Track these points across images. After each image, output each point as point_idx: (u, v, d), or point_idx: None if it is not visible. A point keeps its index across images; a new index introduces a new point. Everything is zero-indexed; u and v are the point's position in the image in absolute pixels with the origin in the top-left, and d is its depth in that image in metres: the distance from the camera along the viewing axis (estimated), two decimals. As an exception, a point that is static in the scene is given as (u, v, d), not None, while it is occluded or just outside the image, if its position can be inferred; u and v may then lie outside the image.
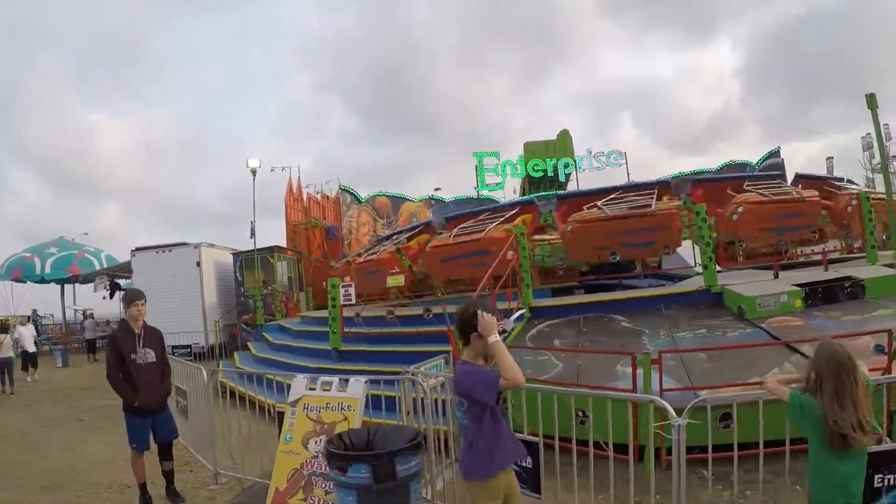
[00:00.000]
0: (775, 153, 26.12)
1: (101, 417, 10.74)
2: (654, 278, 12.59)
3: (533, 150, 28.80)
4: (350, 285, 10.29)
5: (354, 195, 23.57)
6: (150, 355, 5.88)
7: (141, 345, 5.83)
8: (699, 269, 10.87)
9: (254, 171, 19.25)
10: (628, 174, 27.16)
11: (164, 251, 19.59)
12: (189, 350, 16.74)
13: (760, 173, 20.59)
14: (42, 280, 27.87)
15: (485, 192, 27.89)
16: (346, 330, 10.29)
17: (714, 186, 12.92)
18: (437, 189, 26.88)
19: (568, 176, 28.56)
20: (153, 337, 6.03)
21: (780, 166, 25.03)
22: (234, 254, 21.06)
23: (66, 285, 29.82)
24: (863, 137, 43.73)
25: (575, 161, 27.70)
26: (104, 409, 11.51)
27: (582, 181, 27.48)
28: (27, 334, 17.11)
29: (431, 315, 9.89)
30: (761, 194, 11.80)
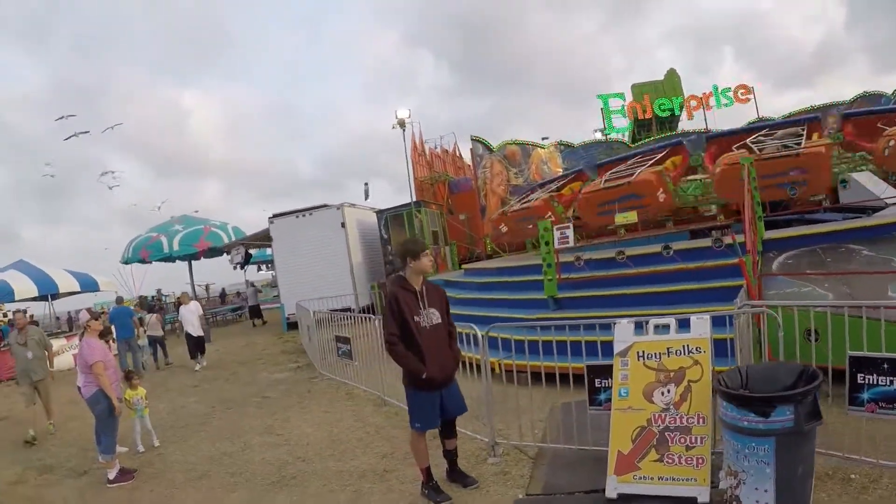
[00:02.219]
0: None
1: (286, 395, 9.85)
2: (838, 212, 11.18)
3: (641, 91, 27.85)
4: (568, 227, 9.01)
5: (486, 145, 22.19)
6: (435, 316, 4.82)
7: (424, 304, 4.80)
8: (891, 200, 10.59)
9: (402, 123, 18.30)
10: (757, 109, 25.72)
11: (303, 215, 19.05)
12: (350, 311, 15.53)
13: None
14: (170, 257, 28.23)
15: (613, 136, 26.99)
16: (562, 276, 9.03)
17: (863, 121, 11.66)
18: (544, 138, 25.63)
19: (678, 117, 27.77)
20: (436, 295, 4.96)
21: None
22: (377, 212, 20.62)
23: (192, 262, 30.14)
24: None
25: (701, 98, 26.03)
26: (283, 382, 11.01)
27: (710, 120, 26.71)
28: (189, 315, 14.28)
29: (671, 252, 8.62)
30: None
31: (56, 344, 17.92)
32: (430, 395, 4.72)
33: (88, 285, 21.89)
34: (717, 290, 7.44)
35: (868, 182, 11.55)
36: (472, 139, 22.27)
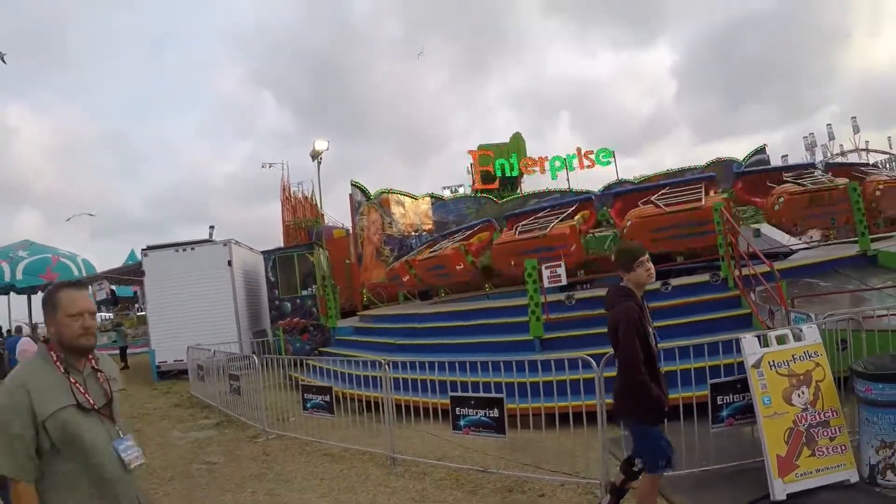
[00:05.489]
0: (761, 150, 27.47)
1: (236, 459, 8.01)
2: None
3: (486, 152, 28.99)
4: (559, 265, 8.88)
5: (365, 191, 21.91)
6: (654, 333, 4.27)
7: (650, 322, 4.24)
8: (799, 246, 12.56)
9: (315, 156, 17.47)
10: (617, 172, 27.97)
11: (183, 249, 17.11)
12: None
13: (794, 164, 22.90)
14: (12, 288, 23.61)
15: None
16: (549, 317, 9.12)
17: (753, 179, 14.11)
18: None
19: (518, 177, 29.03)
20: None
21: (766, 162, 26.42)
22: (265, 252, 19.02)
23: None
24: (804, 137, 47.69)
25: (566, 159, 28.20)
26: (215, 442, 9.20)
27: (563, 180, 28.07)
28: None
29: (670, 288, 9.41)
30: (798, 184, 12.74)
31: None
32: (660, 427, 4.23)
33: None
34: (715, 321, 8.34)
35: (772, 232, 13.18)
36: (351, 184, 21.97)
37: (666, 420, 4.24)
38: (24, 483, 2.20)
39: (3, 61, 21.39)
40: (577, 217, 13.82)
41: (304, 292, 17.40)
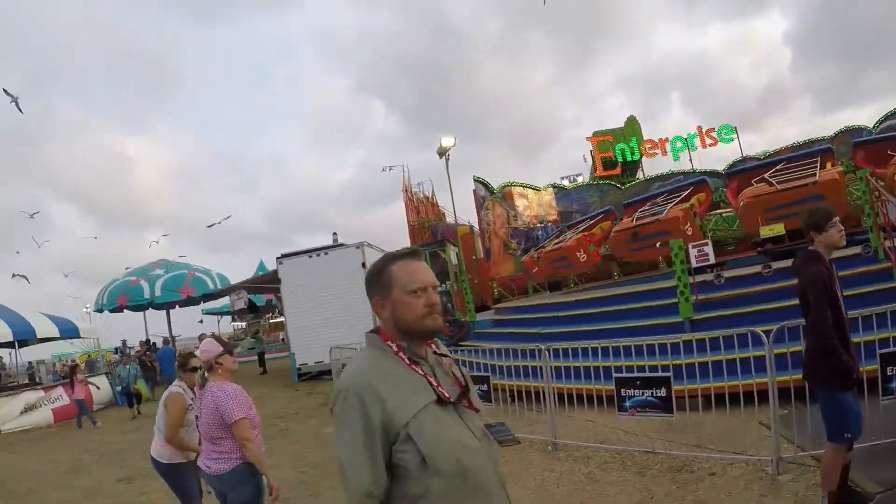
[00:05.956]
0: (892, 115, 25.26)
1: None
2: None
3: (605, 138, 28.15)
4: (706, 243, 8.90)
5: (488, 186, 22.34)
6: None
7: (839, 286, 4.13)
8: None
9: (442, 153, 18.08)
10: (741, 148, 26.48)
11: (317, 255, 17.94)
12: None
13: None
14: (151, 304, 26.31)
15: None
16: (698, 297, 9.15)
17: (873, 148, 12.98)
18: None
19: (638, 162, 28.03)
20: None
21: (896, 128, 24.24)
22: None
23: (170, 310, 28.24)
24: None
25: (687, 139, 26.94)
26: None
27: (696, 160, 26.82)
28: None
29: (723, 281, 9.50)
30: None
31: (32, 396, 16.79)
32: (853, 396, 4.07)
33: (69, 331, 20.22)
34: (869, 294, 7.85)
35: None
36: (474, 180, 22.50)
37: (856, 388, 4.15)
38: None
39: (19, 109, 22.08)
40: (692, 200, 13.92)
41: (440, 289, 17.66)
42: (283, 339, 27.00)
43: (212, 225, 31.86)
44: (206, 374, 4.23)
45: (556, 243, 16.24)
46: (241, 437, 4.00)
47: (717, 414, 6.45)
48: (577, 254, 14.62)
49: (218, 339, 4.47)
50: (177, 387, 4.91)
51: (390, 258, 2.02)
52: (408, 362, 1.93)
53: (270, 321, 37.23)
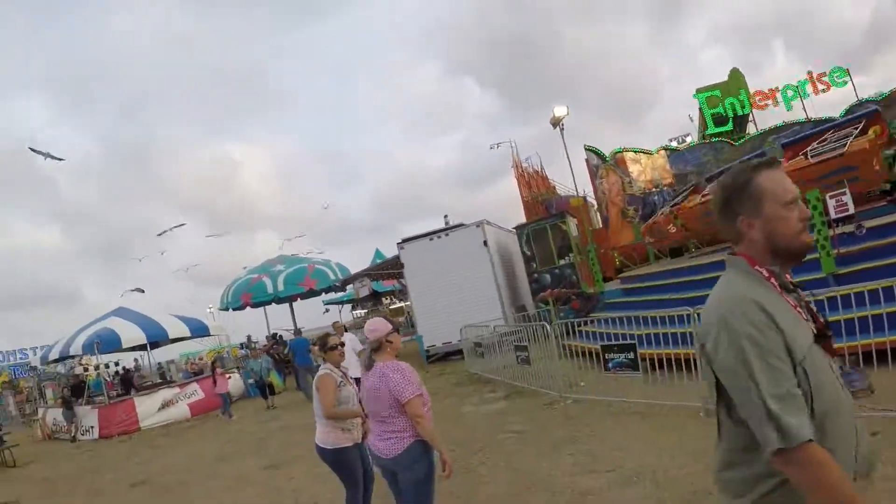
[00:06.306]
0: None
1: (542, 427, 7.92)
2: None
3: (708, 94, 27.20)
4: (844, 192, 8.78)
5: (600, 154, 22.38)
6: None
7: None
8: None
9: (556, 123, 18.29)
10: (856, 91, 24.87)
11: (437, 237, 18.04)
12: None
13: None
14: (275, 299, 27.33)
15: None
16: (840, 251, 8.97)
17: None
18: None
19: (747, 115, 26.84)
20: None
21: None
22: (517, 227, 19.88)
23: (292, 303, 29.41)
24: None
25: (798, 86, 25.55)
26: (507, 413, 9.26)
27: (809, 108, 25.48)
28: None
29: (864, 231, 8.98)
30: None
31: (168, 393, 18.09)
32: None
33: (199, 330, 21.19)
34: None
35: None
36: (585, 149, 22.55)
37: None
38: (816, 443, 1.51)
39: (55, 157, 26.27)
40: (869, 132, 11.94)
41: (562, 262, 17.70)
42: (403, 323, 27.36)
43: (162, 233, 35.51)
44: (373, 354, 4.27)
45: (702, 197, 14.90)
46: (414, 414, 4.06)
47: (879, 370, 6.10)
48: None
49: (386, 317, 4.47)
50: (324, 369, 5.12)
51: (750, 169, 1.78)
52: (779, 290, 1.71)
53: (390, 307, 38.35)
